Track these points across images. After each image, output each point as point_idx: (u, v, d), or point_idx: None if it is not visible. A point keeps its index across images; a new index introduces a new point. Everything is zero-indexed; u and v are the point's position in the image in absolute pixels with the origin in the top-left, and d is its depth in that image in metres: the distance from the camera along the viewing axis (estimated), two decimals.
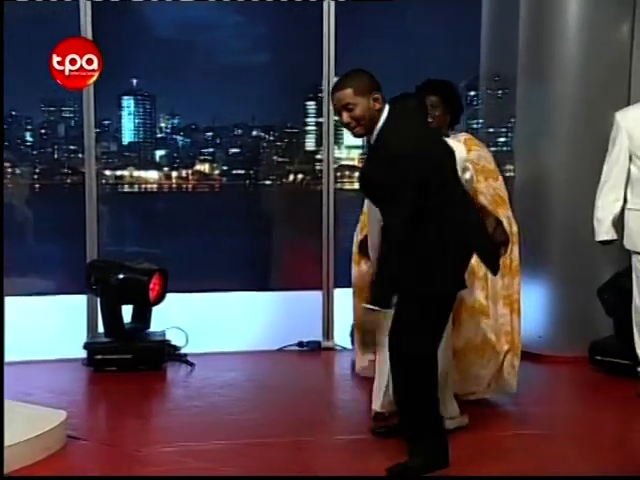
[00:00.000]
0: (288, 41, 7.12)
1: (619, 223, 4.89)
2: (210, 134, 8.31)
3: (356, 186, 8.01)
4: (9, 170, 7.35)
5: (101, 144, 7.42)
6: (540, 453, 4.07)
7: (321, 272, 6.20)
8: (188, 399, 4.97)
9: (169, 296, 5.73)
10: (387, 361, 4.32)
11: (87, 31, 5.75)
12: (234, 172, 8.30)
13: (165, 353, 5.60)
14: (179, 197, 8.48)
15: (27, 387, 4.93)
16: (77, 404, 4.84)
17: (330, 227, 6.09)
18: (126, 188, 8.32)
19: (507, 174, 6.33)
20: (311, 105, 7.58)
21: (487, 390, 4.71)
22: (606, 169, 4.91)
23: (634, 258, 4.89)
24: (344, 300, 5.58)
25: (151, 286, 5.59)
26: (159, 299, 5.69)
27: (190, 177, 8.37)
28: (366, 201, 4.81)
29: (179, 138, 8.35)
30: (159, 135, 8.37)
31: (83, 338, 5.75)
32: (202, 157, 8.33)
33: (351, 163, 8.17)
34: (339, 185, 6.95)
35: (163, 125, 8.36)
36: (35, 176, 7.87)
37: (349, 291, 5.47)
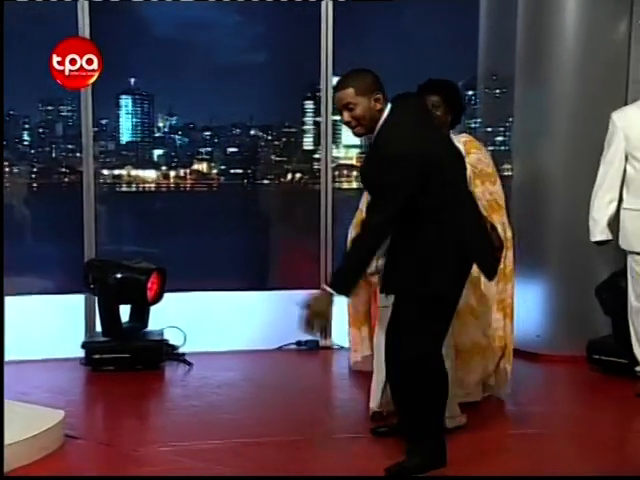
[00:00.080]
0: (286, 41, 7.12)
1: (614, 223, 4.90)
2: (208, 133, 8.31)
3: (354, 185, 8.04)
4: (7, 169, 7.34)
5: (99, 143, 7.41)
6: (538, 452, 4.07)
7: (319, 271, 6.20)
8: (186, 398, 4.97)
9: (167, 295, 5.73)
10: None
11: (85, 31, 5.75)
12: (232, 171, 8.29)
13: (163, 352, 5.60)
14: (177, 196, 8.47)
15: (25, 386, 4.93)
16: (75, 403, 4.84)
17: (328, 226, 6.09)
18: (124, 187, 8.32)
19: (505, 173, 6.34)
20: (309, 104, 7.58)
21: (473, 395, 4.66)
22: (602, 170, 4.93)
23: (629, 258, 4.91)
24: (342, 299, 5.58)
25: (149, 285, 5.59)
26: (157, 298, 5.69)
27: (188, 176, 8.37)
28: (362, 198, 4.82)
29: (177, 137, 8.35)
30: (157, 134, 8.36)
31: (81, 337, 5.75)
32: (200, 156, 8.33)
33: (349, 162, 8.17)
34: (337, 184, 6.94)
35: (161, 124, 8.36)
36: (33, 175, 7.87)
37: None
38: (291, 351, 6.11)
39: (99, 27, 5.82)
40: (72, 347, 5.59)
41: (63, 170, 7.84)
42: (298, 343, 6.14)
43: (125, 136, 8.21)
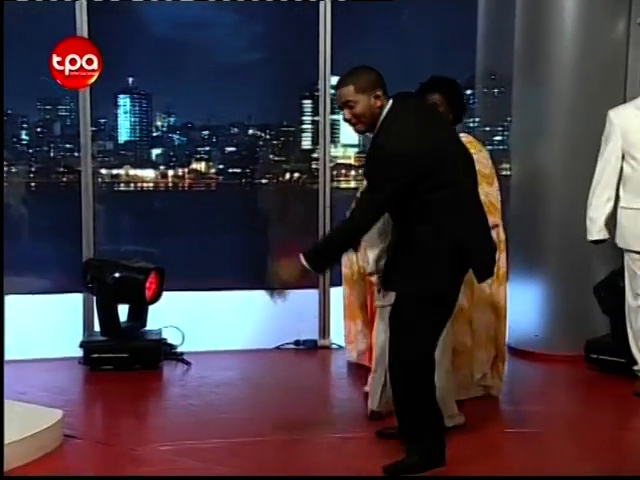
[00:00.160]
0: (284, 40, 7.12)
1: (611, 221, 4.91)
2: (206, 133, 8.30)
3: (352, 185, 8.03)
4: (5, 169, 7.33)
5: (97, 143, 7.41)
6: (536, 452, 4.07)
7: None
8: (184, 398, 4.96)
9: (165, 295, 5.72)
10: (384, 361, 4.34)
11: (83, 30, 5.74)
12: (230, 171, 8.29)
13: (161, 352, 5.59)
14: (175, 196, 8.48)
15: (23, 386, 4.92)
16: (73, 403, 4.83)
17: (326, 226, 6.09)
18: (122, 187, 8.32)
19: (503, 173, 6.35)
20: (307, 104, 7.58)
21: (457, 394, 4.64)
22: (598, 168, 4.93)
23: (626, 256, 4.91)
24: (340, 299, 5.59)
25: (147, 285, 5.58)
26: (155, 298, 5.68)
27: (186, 176, 8.36)
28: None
29: (175, 137, 8.35)
30: (155, 134, 8.36)
31: (79, 337, 5.74)
32: (198, 156, 8.33)
33: (347, 162, 8.17)
34: (335, 184, 6.95)
35: (159, 124, 8.36)
36: (31, 175, 7.86)
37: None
38: (289, 350, 6.10)
39: (97, 27, 5.82)
40: (70, 346, 5.59)
41: (61, 169, 7.84)
42: (296, 342, 6.14)
43: (123, 135, 8.21)
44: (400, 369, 3.67)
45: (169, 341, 5.76)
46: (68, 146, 7.69)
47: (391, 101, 3.64)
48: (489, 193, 4.52)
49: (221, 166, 8.30)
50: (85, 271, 5.68)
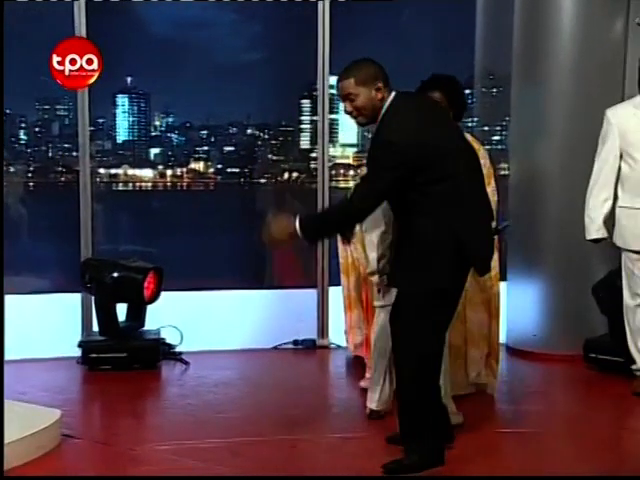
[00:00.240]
0: (283, 40, 7.12)
1: (610, 220, 4.91)
2: (205, 132, 8.30)
3: (351, 184, 8.01)
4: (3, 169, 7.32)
5: (95, 142, 7.40)
6: (535, 451, 4.07)
7: (315, 270, 6.20)
8: (183, 397, 4.96)
9: (164, 294, 5.72)
10: (383, 360, 4.35)
11: (81, 30, 5.74)
12: (229, 170, 8.29)
13: (160, 352, 5.59)
14: (174, 195, 8.47)
15: (22, 386, 4.92)
16: (72, 403, 4.83)
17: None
18: (120, 186, 8.32)
19: (501, 172, 6.35)
20: (306, 103, 7.58)
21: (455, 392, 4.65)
22: (596, 168, 4.93)
23: (624, 255, 4.91)
24: (339, 298, 5.59)
25: (146, 284, 5.58)
26: (154, 297, 5.68)
27: (185, 175, 8.36)
28: None
29: (174, 136, 8.34)
30: (153, 133, 8.35)
31: (78, 336, 5.74)
32: (197, 155, 8.32)
33: (346, 162, 8.17)
34: (334, 183, 6.95)
35: (158, 123, 8.35)
36: (29, 174, 7.86)
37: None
38: (288, 350, 6.10)
39: (96, 26, 5.82)
40: (69, 346, 5.58)
41: (60, 169, 7.84)
42: (295, 342, 6.14)
43: (122, 135, 8.21)
44: (405, 369, 3.67)
45: (167, 341, 5.76)
46: (66, 146, 7.68)
47: (394, 94, 3.65)
48: None
49: (220, 166, 8.30)
50: (83, 271, 5.68)
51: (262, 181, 8.26)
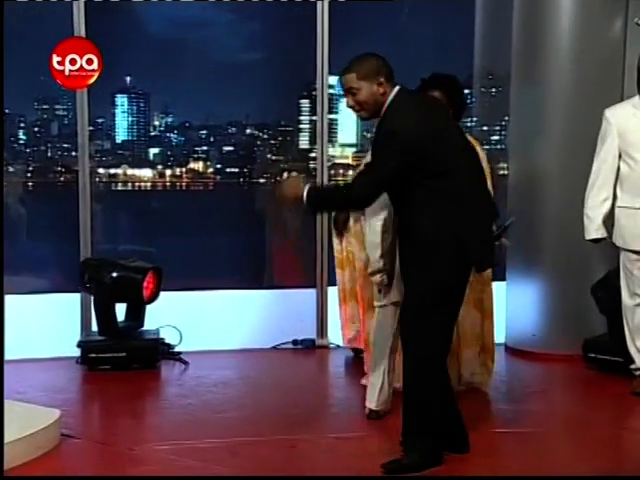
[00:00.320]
0: (283, 40, 7.11)
1: (609, 220, 4.90)
2: (204, 132, 8.29)
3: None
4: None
5: (95, 142, 7.40)
6: (534, 451, 4.07)
7: (315, 270, 6.20)
8: (182, 397, 4.96)
9: (163, 294, 5.72)
10: (382, 360, 4.35)
11: (80, 30, 5.74)
12: (228, 170, 8.28)
13: (159, 351, 5.59)
14: (173, 195, 8.46)
15: (21, 385, 4.92)
16: (71, 403, 4.83)
17: (323, 225, 6.09)
18: (120, 186, 8.31)
19: (501, 172, 6.35)
20: (305, 103, 7.57)
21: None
22: (595, 167, 4.93)
23: (623, 255, 4.91)
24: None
25: (145, 284, 5.58)
26: (153, 297, 5.68)
27: (184, 175, 8.35)
28: None
29: (173, 136, 8.33)
30: (153, 133, 8.34)
31: (77, 336, 5.74)
32: (196, 155, 8.31)
33: (345, 161, 8.16)
34: (333, 183, 6.94)
35: (157, 123, 8.34)
36: (28, 174, 7.85)
37: None
38: (287, 350, 6.11)
39: (95, 26, 5.82)
40: (68, 346, 5.58)
41: (59, 169, 7.83)
42: (294, 342, 6.14)
43: (121, 135, 8.20)
44: (410, 367, 3.68)
45: (167, 341, 5.76)
46: (66, 146, 7.67)
47: (397, 88, 3.66)
48: None
49: (219, 166, 8.29)
50: (83, 271, 5.68)
51: (261, 181, 8.25)
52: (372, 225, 4.27)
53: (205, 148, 8.34)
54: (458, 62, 6.98)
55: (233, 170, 8.30)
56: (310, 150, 7.42)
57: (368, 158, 4.18)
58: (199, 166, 8.42)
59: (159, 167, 8.36)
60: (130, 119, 8.18)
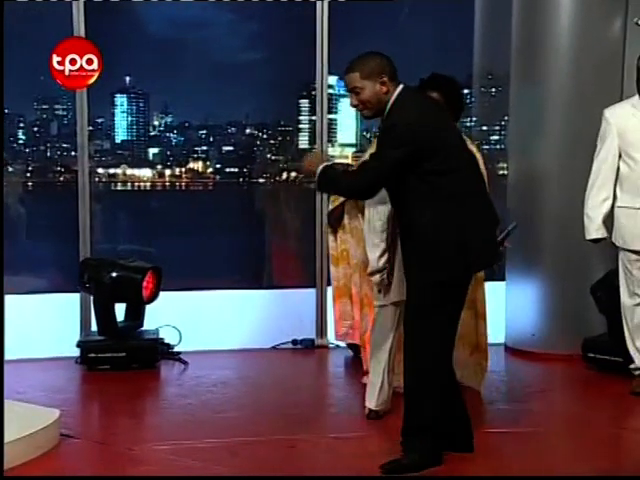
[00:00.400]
0: (282, 40, 7.10)
1: (609, 220, 4.90)
2: (203, 132, 8.29)
3: None
4: None
5: (94, 142, 7.39)
6: (534, 451, 4.07)
7: (314, 269, 6.20)
8: (181, 397, 4.96)
9: (162, 294, 5.72)
10: (382, 360, 4.35)
11: (80, 30, 5.74)
12: (227, 170, 8.27)
13: (158, 351, 5.59)
14: (172, 195, 8.45)
15: (20, 385, 4.92)
16: (70, 402, 4.83)
17: (323, 225, 6.09)
18: (119, 186, 8.30)
19: (500, 172, 6.35)
20: (304, 103, 7.56)
21: None
22: (595, 167, 4.92)
23: (622, 255, 4.91)
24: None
25: (144, 284, 5.58)
26: (152, 297, 5.68)
27: (183, 175, 8.34)
28: None
29: (172, 136, 8.32)
30: (152, 133, 8.34)
31: (76, 336, 5.74)
32: (195, 155, 8.30)
33: (345, 161, 8.15)
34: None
35: (156, 123, 8.33)
36: (28, 174, 7.84)
37: None
38: (287, 350, 6.10)
39: (94, 26, 5.82)
40: (67, 346, 5.58)
41: (58, 169, 7.82)
42: (294, 342, 6.14)
43: (120, 135, 8.19)
44: (411, 365, 3.69)
45: (166, 341, 5.76)
46: (65, 145, 7.66)
47: (401, 87, 3.67)
48: None
49: (218, 165, 8.28)
50: (82, 270, 5.67)
51: (261, 181, 8.25)
52: (372, 224, 4.28)
53: (205, 148, 8.34)
54: (458, 62, 6.98)
55: (233, 170, 8.30)
56: (310, 150, 7.42)
57: (366, 157, 4.21)
58: (198, 166, 8.42)
59: (158, 167, 8.35)
60: (129, 119, 8.18)
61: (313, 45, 6.10)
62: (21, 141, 7.94)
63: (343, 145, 8.10)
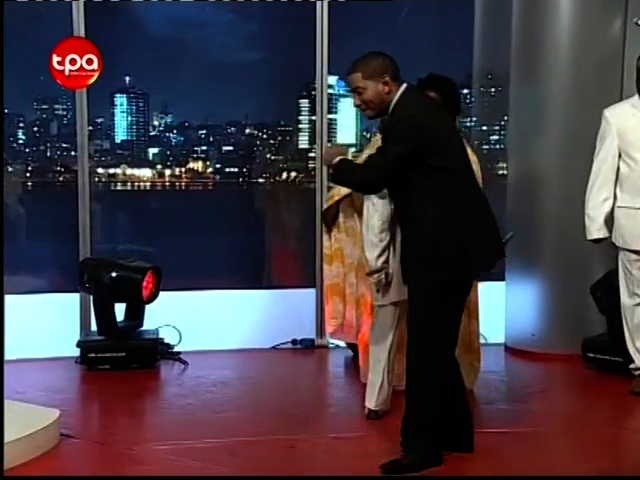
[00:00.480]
0: (282, 39, 7.10)
1: (610, 220, 4.90)
2: (203, 132, 8.28)
3: None
4: None
5: (94, 142, 7.39)
6: (534, 451, 4.07)
7: (314, 269, 6.20)
8: (181, 397, 4.96)
9: (162, 294, 5.72)
10: (381, 360, 4.35)
11: (80, 30, 5.74)
12: (227, 170, 8.27)
13: (158, 351, 5.59)
14: (172, 195, 8.45)
15: (20, 385, 4.92)
16: (70, 402, 4.83)
17: (323, 225, 6.08)
18: (119, 186, 8.30)
19: (500, 172, 6.35)
20: (304, 103, 7.56)
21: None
22: (595, 168, 4.92)
23: (622, 254, 4.91)
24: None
25: (144, 284, 5.58)
26: (152, 297, 5.68)
27: (183, 175, 8.34)
28: None
29: (172, 136, 8.32)
30: (152, 133, 8.33)
31: (76, 336, 5.74)
32: (195, 155, 8.30)
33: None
34: (332, 183, 6.93)
35: (156, 123, 8.33)
36: (27, 174, 7.84)
37: None
38: (286, 350, 6.11)
39: (94, 26, 5.82)
40: (67, 346, 5.58)
41: (58, 169, 7.82)
42: (293, 342, 6.14)
43: (120, 135, 8.18)
44: (412, 365, 3.69)
45: (166, 340, 5.76)
46: (65, 145, 7.66)
47: (404, 86, 3.67)
48: None
49: (218, 165, 8.28)
50: (82, 270, 5.68)
51: (260, 180, 8.25)
52: (370, 224, 4.28)
53: (204, 148, 8.33)
54: (457, 62, 6.98)
55: (232, 170, 8.29)
56: (309, 150, 7.42)
57: (364, 157, 4.23)
58: (198, 166, 8.41)
59: (158, 167, 8.35)
60: (129, 119, 8.18)
61: (313, 45, 6.10)
62: (21, 141, 7.94)
63: (343, 145, 8.10)
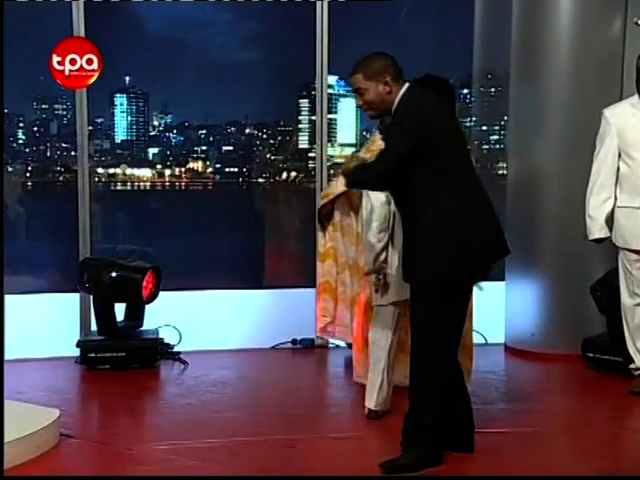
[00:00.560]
0: (282, 39, 7.11)
1: (610, 220, 4.91)
2: (203, 132, 8.28)
3: None
4: None
5: (94, 142, 7.39)
6: (533, 450, 4.07)
7: (314, 269, 6.19)
8: (181, 397, 4.96)
9: (162, 294, 5.72)
10: (381, 359, 4.35)
11: (80, 30, 5.74)
12: (227, 170, 8.27)
13: (158, 351, 5.59)
14: (172, 195, 8.46)
15: (20, 385, 4.92)
16: (70, 402, 4.83)
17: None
18: (119, 186, 8.30)
19: (500, 172, 6.34)
20: (304, 103, 7.56)
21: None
22: (595, 168, 4.92)
23: (621, 254, 4.91)
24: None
25: (144, 284, 5.58)
26: (152, 297, 5.68)
27: (183, 175, 8.34)
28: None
29: (172, 136, 8.32)
30: (152, 133, 8.33)
31: (76, 336, 5.74)
32: (195, 155, 8.30)
33: (344, 161, 8.15)
34: (332, 183, 6.93)
35: (156, 123, 8.33)
36: (27, 174, 7.84)
37: None
38: (286, 350, 6.10)
39: (94, 26, 5.82)
40: (67, 346, 5.58)
41: (58, 169, 7.82)
42: (293, 342, 6.14)
43: (120, 135, 8.18)
44: (414, 364, 3.69)
45: (166, 340, 5.76)
46: (65, 145, 7.66)
47: (407, 85, 3.68)
48: None
49: (218, 165, 8.28)
50: (82, 270, 5.68)
51: (260, 180, 8.25)
52: (369, 225, 4.28)
53: (204, 148, 8.33)
54: (457, 62, 6.98)
55: (232, 170, 8.30)
56: (309, 150, 7.42)
57: (362, 155, 4.24)
58: (198, 166, 8.42)
59: (158, 167, 8.35)
60: (129, 119, 8.18)
61: (313, 45, 6.10)
62: (21, 141, 7.94)
63: (343, 145, 8.10)
